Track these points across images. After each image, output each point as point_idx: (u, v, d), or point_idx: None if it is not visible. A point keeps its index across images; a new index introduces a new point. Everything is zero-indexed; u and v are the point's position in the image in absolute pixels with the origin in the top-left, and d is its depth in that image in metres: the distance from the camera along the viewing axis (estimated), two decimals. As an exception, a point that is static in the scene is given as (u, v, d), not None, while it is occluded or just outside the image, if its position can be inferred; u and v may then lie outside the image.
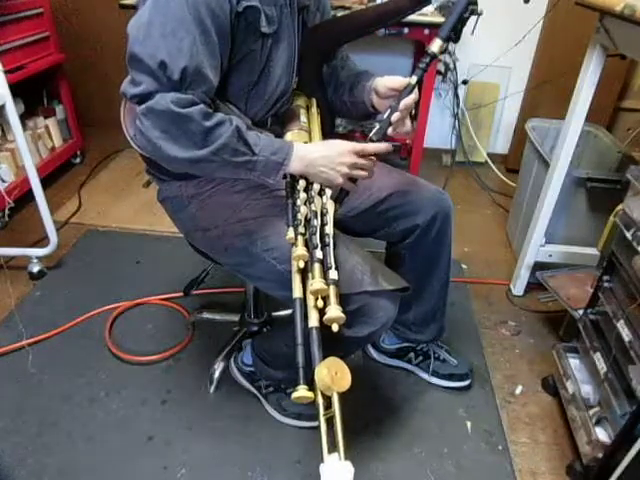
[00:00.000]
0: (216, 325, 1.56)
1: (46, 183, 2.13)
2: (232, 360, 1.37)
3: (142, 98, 0.82)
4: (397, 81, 1.00)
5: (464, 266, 1.91)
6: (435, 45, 0.93)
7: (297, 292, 0.82)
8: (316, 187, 0.93)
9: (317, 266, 0.82)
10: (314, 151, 0.92)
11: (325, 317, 0.79)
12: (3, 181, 1.94)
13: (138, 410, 1.30)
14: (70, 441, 1.22)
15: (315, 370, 0.73)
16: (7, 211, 1.91)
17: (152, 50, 0.80)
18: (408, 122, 0.99)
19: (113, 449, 1.20)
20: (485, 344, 1.56)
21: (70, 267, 1.80)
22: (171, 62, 0.80)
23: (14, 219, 2.04)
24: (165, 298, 1.66)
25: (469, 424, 1.30)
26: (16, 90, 1.67)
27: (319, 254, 0.84)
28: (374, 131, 0.94)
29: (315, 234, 0.86)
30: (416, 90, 0.96)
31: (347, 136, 2.31)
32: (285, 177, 0.92)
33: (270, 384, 1.29)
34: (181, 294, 1.65)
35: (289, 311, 1.03)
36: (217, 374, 1.37)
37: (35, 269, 1.72)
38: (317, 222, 0.88)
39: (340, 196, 0.96)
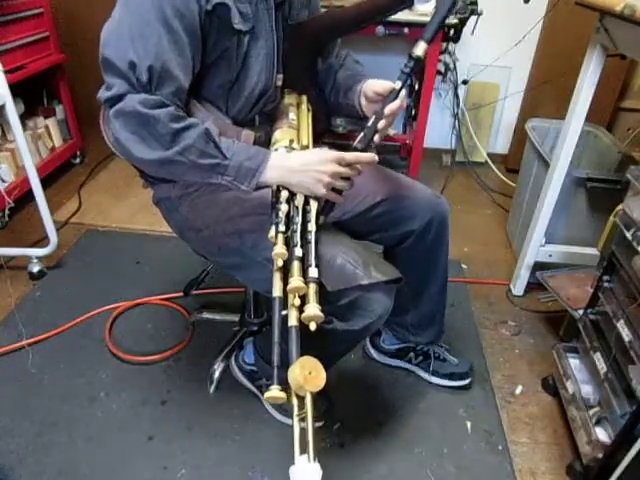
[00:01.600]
0: (216, 325, 1.56)
1: (46, 183, 2.13)
2: (233, 359, 1.37)
3: (114, 101, 0.83)
4: (382, 85, 0.98)
5: (464, 266, 1.91)
6: (419, 48, 0.90)
7: (277, 291, 0.81)
8: (300, 199, 0.89)
9: (296, 264, 0.81)
10: (293, 159, 0.89)
11: (303, 315, 0.78)
12: (3, 181, 1.94)
13: (138, 410, 1.30)
14: (70, 441, 1.22)
15: (289, 369, 0.72)
16: (7, 211, 1.91)
17: (122, 52, 0.81)
18: (391, 128, 0.97)
19: (113, 449, 1.20)
20: (485, 344, 1.56)
21: (70, 267, 1.80)
22: (139, 63, 0.81)
23: (14, 219, 2.04)
24: (165, 298, 1.66)
25: (469, 424, 1.30)
26: (16, 90, 1.67)
27: (298, 252, 0.82)
28: (358, 139, 0.91)
29: (296, 232, 0.85)
30: (402, 95, 0.94)
31: (347, 136, 2.31)
32: (260, 187, 0.89)
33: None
34: (181, 294, 1.65)
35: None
36: (217, 374, 1.37)
37: (35, 269, 1.72)
38: (298, 219, 0.86)
39: (325, 208, 0.93)
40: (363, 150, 0.91)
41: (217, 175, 0.87)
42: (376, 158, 0.90)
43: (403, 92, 0.94)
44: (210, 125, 0.87)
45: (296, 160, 0.89)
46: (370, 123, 0.92)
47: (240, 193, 0.91)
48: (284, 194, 0.88)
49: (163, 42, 0.83)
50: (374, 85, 1.01)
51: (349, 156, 0.88)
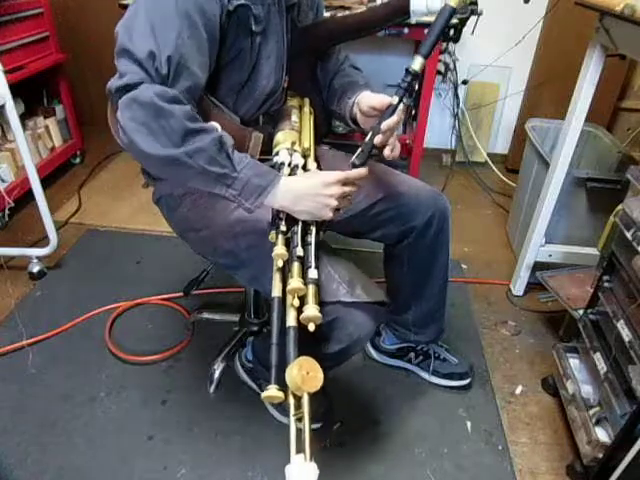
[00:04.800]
0: (216, 325, 1.56)
1: (46, 183, 2.12)
2: (236, 356, 1.38)
3: (127, 89, 0.78)
4: (379, 100, 0.96)
5: (464, 266, 1.91)
6: (417, 63, 0.89)
7: (276, 291, 0.80)
8: (299, 227, 0.87)
9: (296, 265, 0.81)
10: (300, 186, 0.86)
11: (301, 316, 0.77)
12: (3, 181, 1.94)
13: (138, 410, 1.30)
14: (70, 441, 1.22)
15: (286, 369, 0.71)
16: (7, 211, 1.91)
17: (141, 42, 0.78)
18: (398, 145, 0.96)
19: (113, 449, 1.20)
20: (485, 344, 1.56)
21: (70, 267, 1.80)
22: (159, 53, 0.78)
23: (14, 219, 2.03)
24: (165, 298, 1.66)
25: (469, 424, 1.30)
26: (16, 90, 1.67)
27: (299, 252, 0.82)
28: (356, 155, 0.90)
29: (296, 233, 0.85)
30: (399, 110, 0.92)
31: (347, 136, 2.31)
32: (260, 206, 0.86)
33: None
34: (181, 294, 1.65)
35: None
36: (217, 374, 1.37)
37: (35, 269, 1.72)
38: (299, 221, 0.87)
39: (322, 226, 0.91)
40: (361, 166, 0.90)
41: (223, 186, 0.84)
42: (367, 171, 0.90)
43: (400, 106, 0.92)
44: (225, 134, 0.85)
45: (303, 185, 0.86)
46: (367, 139, 0.90)
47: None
48: (282, 227, 0.86)
49: (183, 36, 0.81)
50: (370, 99, 0.99)
51: (351, 174, 0.87)
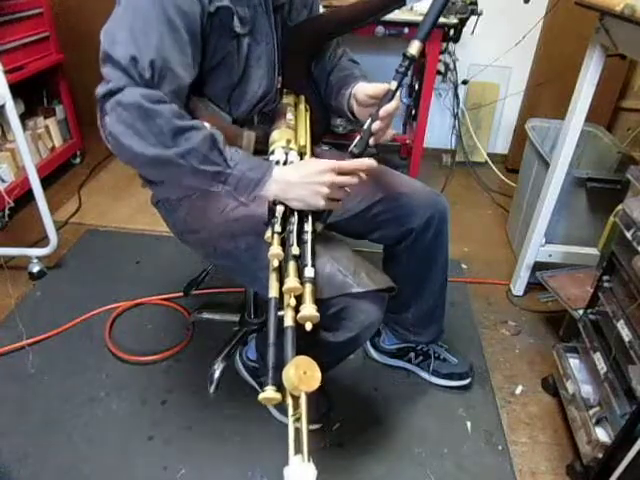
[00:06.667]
0: (216, 325, 1.56)
1: (46, 183, 2.12)
2: (237, 354, 1.38)
3: (111, 94, 0.78)
4: (376, 88, 0.95)
5: (464, 266, 1.91)
6: (413, 47, 0.88)
7: (273, 291, 0.80)
8: (295, 216, 0.86)
9: (292, 264, 0.81)
10: (292, 174, 0.85)
11: (298, 315, 0.77)
12: (3, 181, 1.94)
13: (138, 410, 1.30)
14: (70, 441, 1.22)
15: (283, 369, 0.71)
16: (7, 211, 1.91)
17: (123, 48, 0.79)
18: (390, 131, 0.94)
19: (113, 449, 1.20)
20: (485, 344, 1.56)
21: (70, 267, 1.80)
22: (141, 58, 0.78)
23: (14, 219, 2.04)
24: (165, 298, 1.66)
25: (469, 424, 1.30)
26: (16, 90, 1.67)
27: (295, 251, 0.82)
28: (355, 143, 0.89)
29: (292, 232, 0.84)
30: (397, 97, 0.91)
31: (347, 136, 2.31)
32: (255, 199, 0.86)
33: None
34: (181, 294, 1.65)
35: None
36: (217, 374, 1.37)
37: (35, 269, 1.72)
38: (294, 219, 0.86)
39: (323, 216, 0.91)
40: (360, 154, 0.88)
41: (217, 183, 0.84)
42: (375, 164, 0.87)
43: (399, 92, 0.92)
44: (215, 130, 0.85)
45: (294, 173, 0.86)
46: (366, 126, 0.90)
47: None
48: (279, 208, 0.86)
49: (165, 39, 0.81)
50: (366, 88, 0.98)
51: (347, 165, 0.86)
